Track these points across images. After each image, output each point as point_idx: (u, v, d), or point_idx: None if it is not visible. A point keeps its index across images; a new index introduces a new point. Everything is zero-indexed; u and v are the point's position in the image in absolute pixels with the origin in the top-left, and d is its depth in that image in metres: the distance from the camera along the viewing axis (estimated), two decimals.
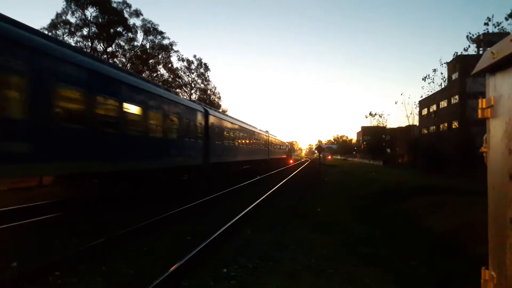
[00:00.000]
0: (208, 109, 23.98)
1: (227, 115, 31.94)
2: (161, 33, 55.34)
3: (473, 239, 7.98)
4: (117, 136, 12.98)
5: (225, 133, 27.13)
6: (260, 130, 45.76)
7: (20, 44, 8.95)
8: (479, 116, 2.59)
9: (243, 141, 33.95)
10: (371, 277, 6.96)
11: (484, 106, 2.54)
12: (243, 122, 36.37)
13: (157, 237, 9.46)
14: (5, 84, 8.68)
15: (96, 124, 11.77)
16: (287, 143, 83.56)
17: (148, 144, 15.23)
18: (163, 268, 6.42)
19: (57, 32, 46.37)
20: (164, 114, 16.60)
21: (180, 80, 65.32)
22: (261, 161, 43.72)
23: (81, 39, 48.48)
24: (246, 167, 35.93)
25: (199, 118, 21.68)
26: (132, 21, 52.03)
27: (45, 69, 9.73)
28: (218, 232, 9.18)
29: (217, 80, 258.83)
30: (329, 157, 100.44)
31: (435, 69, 61.37)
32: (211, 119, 23.62)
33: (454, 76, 51.88)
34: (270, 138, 51.15)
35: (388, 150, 78.54)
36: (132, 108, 13.89)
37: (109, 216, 11.64)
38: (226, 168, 28.10)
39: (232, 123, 30.06)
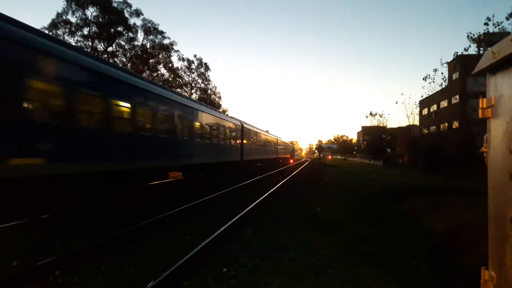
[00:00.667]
0: (242, 123, 33.57)
1: (252, 126, 39.43)
2: (161, 32, 55.44)
3: (473, 239, 7.98)
4: (205, 144, 21.98)
5: (252, 139, 37.42)
6: (271, 134, 54.36)
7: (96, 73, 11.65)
8: (480, 116, 2.59)
9: (262, 144, 43.74)
10: (372, 277, 6.96)
11: (484, 105, 2.53)
12: (261, 130, 45.76)
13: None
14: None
15: (193, 136, 19.87)
16: (290, 144, 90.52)
17: (216, 148, 24.45)
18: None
19: (58, 31, 46.42)
20: (224, 128, 26.51)
21: (180, 80, 65.40)
22: (272, 159, 53.06)
23: (81, 39, 48.55)
24: (263, 163, 46.19)
25: (238, 128, 31.45)
26: (133, 20, 52.13)
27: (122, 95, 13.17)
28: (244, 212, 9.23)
29: (218, 79, 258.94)
30: (329, 157, 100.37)
31: (435, 69, 61.44)
32: (244, 130, 33.38)
33: (455, 76, 51.81)
34: (278, 140, 60.07)
35: (389, 150, 78.46)
36: (211, 128, 23.24)
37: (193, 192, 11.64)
38: (252, 164, 38.95)
39: (255, 131, 39.77)
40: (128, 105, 13.28)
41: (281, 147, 64.14)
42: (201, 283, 6.21)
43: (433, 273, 7.46)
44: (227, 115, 37.27)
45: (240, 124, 32.11)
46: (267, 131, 51.34)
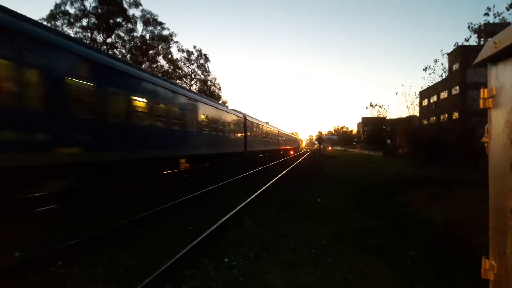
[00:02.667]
0: (245, 115, 34.47)
1: (254, 118, 40.20)
2: (160, 23, 55.12)
3: (474, 229, 8.02)
4: (212, 136, 23.36)
5: (254, 131, 38.11)
6: (272, 125, 56.56)
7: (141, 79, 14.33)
8: (481, 106, 2.58)
9: (264, 136, 45.14)
10: (371, 267, 7.01)
11: (485, 96, 2.53)
12: (262, 122, 46.53)
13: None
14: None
15: (201, 129, 21.07)
16: (291, 135, 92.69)
17: (225, 141, 26.40)
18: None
19: (56, 22, 46.14)
20: (229, 121, 27.86)
21: (180, 71, 65.15)
22: (274, 150, 54.82)
23: (80, 30, 48.27)
24: (265, 154, 47.15)
25: (241, 121, 32.45)
26: (132, 11, 51.84)
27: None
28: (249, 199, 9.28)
29: (217, 71, 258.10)
30: (329, 148, 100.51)
31: (436, 60, 61.18)
32: (247, 122, 34.28)
33: (455, 66, 51.65)
34: (279, 132, 61.90)
35: (388, 141, 78.51)
36: (218, 122, 24.64)
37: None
38: (256, 155, 39.95)
39: (257, 123, 40.55)
40: (146, 100, 14.65)
41: (283, 138, 66.45)
42: (202, 273, 6.25)
43: (432, 263, 7.51)
44: (227, 106, 37.79)
45: (243, 116, 33.27)
46: (267, 123, 51.28)
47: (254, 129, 38.45)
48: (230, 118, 28.39)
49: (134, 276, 5.98)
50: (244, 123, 33.35)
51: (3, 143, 8.06)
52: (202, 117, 21.21)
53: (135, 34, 53.39)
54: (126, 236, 8.50)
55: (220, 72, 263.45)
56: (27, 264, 6.12)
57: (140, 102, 14.18)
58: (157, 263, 6.40)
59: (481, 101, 2.57)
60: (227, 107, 33.55)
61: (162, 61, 60.39)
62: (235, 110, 32.86)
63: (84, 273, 6.20)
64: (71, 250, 7.02)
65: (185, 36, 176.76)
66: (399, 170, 26.21)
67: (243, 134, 32.89)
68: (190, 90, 24.01)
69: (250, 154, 35.25)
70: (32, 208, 10.61)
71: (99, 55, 12.25)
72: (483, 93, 2.55)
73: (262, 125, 44.77)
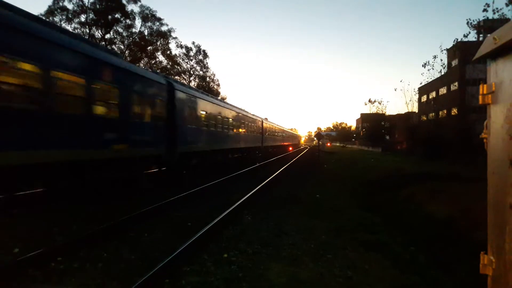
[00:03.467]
0: (263, 120, 44.70)
1: (269, 121, 51.63)
2: (159, 19, 54.92)
3: (473, 225, 8.05)
4: (252, 136, 35.55)
5: (267, 130, 48.22)
6: (280, 125, 67.36)
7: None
8: (480, 102, 2.59)
9: (274, 134, 56.23)
10: (370, 262, 7.04)
11: (485, 92, 2.54)
12: (274, 123, 58.40)
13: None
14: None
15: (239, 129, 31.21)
16: (294, 133, 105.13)
17: (252, 138, 36.29)
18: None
19: (55, 18, 45.94)
20: (253, 123, 37.37)
21: (178, 67, 64.98)
22: (281, 145, 64.90)
23: (78, 26, 48.09)
24: (274, 148, 56.41)
25: (260, 123, 42.03)
26: (130, 7, 51.60)
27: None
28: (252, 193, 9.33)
29: (216, 66, 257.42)
30: (328, 144, 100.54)
31: (435, 56, 60.91)
32: (264, 124, 44.73)
33: (454, 62, 51.62)
34: (284, 130, 73.32)
35: (387, 137, 78.50)
36: (246, 124, 34.22)
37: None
38: (268, 148, 49.84)
39: (271, 125, 52.66)
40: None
41: (287, 135, 77.29)
42: (202, 269, 6.27)
43: (431, 258, 7.54)
44: (226, 102, 38.01)
45: (261, 120, 43.91)
46: (265, 119, 51.79)
47: (268, 129, 48.86)
48: (255, 122, 39.68)
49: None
50: (262, 125, 43.85)
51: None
52: (245, 123, 33.92)
53: (133, 30, 53.25)
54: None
55: (218, 67, 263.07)
56: (27, 260, 6.13)
57: (229, 120, 27.57)
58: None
59: (480, 97, 2.57)
60: (243, 109, 38.06)
61: (160, 57, 60.26)
62: (255, 116, 41.96)
63: (84, 269, 6.22)
64: (71, 246, 7.03)
65: (184, 32, 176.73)
66: (398, 166, 26.25)
67: (261, 133, 43.03)
68: (242, 109, 35.94)
69: (264, 148, 45.62)
70: (36, 204, 10.64)
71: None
72: (483, 89, 2.55)
73: (273, 126, 55.70)
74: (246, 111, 37.97)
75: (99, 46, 16.73)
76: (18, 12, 9.08)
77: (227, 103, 32.71)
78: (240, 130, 32.51)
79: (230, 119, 28.76)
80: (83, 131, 10.81)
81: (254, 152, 40.74)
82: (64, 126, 10.02)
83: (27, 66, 8.62)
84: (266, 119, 51.33)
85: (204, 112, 21.89)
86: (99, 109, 11.65)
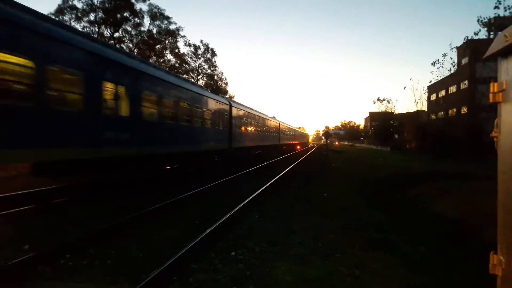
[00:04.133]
0: (280, 121, 54.23)
1: (283, 123, 60.00)
2: (167, 18, 55.10)
3: (482, 225, 7.97)
4: (262, 134, 40.58)
5: (282, 130, 56.07)
6: (292, 126, 77.05)
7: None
8: (490, 100, 2.56)
9: (287, 133, 63.97)
10: (379, 262, 7.00)
11: (495, 90, 2.51)
12: (289, 124, 69.27)
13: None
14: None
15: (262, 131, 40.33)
16: (301, 131, 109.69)
17: (272, 137, 45.01)
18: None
19: (64, 17, 46.30)
20: (271, 125, 45.12)
21: (187, 66, 65.17)
22: (292, 144, 71.73)
23: (88, 25, 48.42)
24: (287, 147, 63.78)
25: (277, 125, 50.65)
26: (139, 6, 51.81)
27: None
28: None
29: (224, 65, 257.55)
30: (336, 143, 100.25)
31: (444, 54, 60.00)
32: (280, 126, 53.44)
33: (464, 61, 51.09)
34: (295, 130, 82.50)
35: (396, 136, 78.03)
36: (266, 125, 42.04)
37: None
38: (283, 146, 58.56)
39: (285, 126, 60.69)
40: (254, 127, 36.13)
41: (297, 134, 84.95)
42: (209, 267, 6.29)
43: (440, 258, 7.48)
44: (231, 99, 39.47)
45: (278, 122, 52.30)
46: (272, 117, 52.02)
47: (282, 129, 56.64)
48: (273, 124, 47.64)
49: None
50: (279, 126, 52.38)
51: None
52: (268, 124, 42.82)
53: (142, 28, 53.50)
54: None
55: (226, 66, 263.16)
56: (37, 257, 6.19)
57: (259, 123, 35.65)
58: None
59: (490, 95, 2.55)
60: (273, 117, 47.81)
61: (169, 56, 60.47)
62: (274, 118, 50.00)
63: (92, 266, 6.27)
64: (80, 243, 7.09)
65: (192, 30, 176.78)
66: (406, 165, 26.09)
67: (278, 133, 50.24)
68: (265, 114, 43.25)
69: (281, 145, 52.73)
70: (47, 201, 10.78)
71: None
72: (493, 87, 2.52)
73: (287, 126, 64.74)
74: (266, 115, 45.08)
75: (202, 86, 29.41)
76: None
77: (254, 109, 38.48)
78: (265, 130, 41.05)
79: (260, 123, 37.82)
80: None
81: (272, 149, 46.85)
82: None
83: None
84: (273, 117, 51.49)
85: (245, 119, 31.50)
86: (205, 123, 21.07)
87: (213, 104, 22.70)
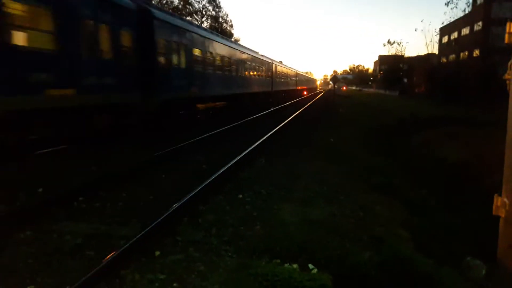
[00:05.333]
0: (297, 71, 65.05)
1: (300, 72, 71.38)
2: None
3: (487, 169, 8.03)
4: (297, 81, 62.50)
5: (298, 77, 64.97)
6: (305, 74, 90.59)
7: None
8: (506, 41, 2.48)
9: (301, 79, 70.68)
10: (382, 204, 7.16)
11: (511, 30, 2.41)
12: (302, 72, 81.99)
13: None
14: None
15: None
16: (311, 77, 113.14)
17: (294, 83, 60.01)
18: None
19: None
20: (293, 75, 59.33)
21: (190, 7, 63.02)
22: (306, 88, 79.17)
23: None
24: (302, 90, 72.33)
25: (295, 73, 60.74)
26: None
27: None
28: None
29: (229, 7, 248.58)
30: (344, 88, 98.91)
31: None
32: (298, 74, 64.72)
33: (480, 0, 48.92)
34: (308, 76, 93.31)
35: (405, 80, 76.71)
36: (293, 76, 58.99)
37: None
38: (299, 89, 67.38)
39: (300, 73, 71.80)
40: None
41: (308, 80, 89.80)
42: (218, 208, 6.48)
43: (442, 201, 7.64)
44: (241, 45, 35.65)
45: (296, 71, 61.19)
46: (279, 62, 50.78)
47: (299, 76, 65.54)
48: (292, 72, 55.96)
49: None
50: (296, 74, 61.71)
51: None
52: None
53: None
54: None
55: (232, 8, 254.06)
56: (51, 199, 6.40)
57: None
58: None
59: (506, 35, 2.46)
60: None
61: None
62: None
63: (105, 208, 6.49)
64: (92, 187, 7.28)
65: None
66: (414, 110, 25.89)
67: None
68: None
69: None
70: (63, 144, 10.71)
71: None
72: (509, 27, 2.43)
73: (301, 74, 75.08)
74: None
75: None
76: None
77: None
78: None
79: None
80: None
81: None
82: None
83: None
84: (280, 62, 50.29)
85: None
86: None
87: None
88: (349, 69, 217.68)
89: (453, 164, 9.94)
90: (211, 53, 19.99)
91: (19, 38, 8.35)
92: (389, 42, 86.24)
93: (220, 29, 65.48)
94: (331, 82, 49.02)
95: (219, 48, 21.66)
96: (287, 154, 11.59)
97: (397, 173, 10.03)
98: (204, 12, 65.75)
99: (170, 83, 15.15)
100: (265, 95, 36.62)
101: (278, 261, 4.61)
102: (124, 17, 12.38)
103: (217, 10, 67.36)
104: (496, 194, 2.57)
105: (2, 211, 5.91)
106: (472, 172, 8.82)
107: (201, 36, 18.63)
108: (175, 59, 15.72)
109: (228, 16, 73.74)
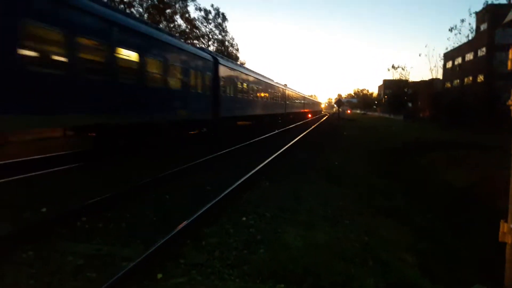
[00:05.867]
0: (304, 96, 70.37)
1: (308, 96, 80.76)
2: None
3: (492, 194, 7.96)
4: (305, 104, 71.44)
5: (308, 100, 75.83)
6: (310, 97, 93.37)
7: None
8: (509, 67, 2.51)
9: (308, 102, 75.87)
10: (387, 228, 7.09)
11: None
12: (308, 96, 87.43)
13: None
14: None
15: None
16: (315, 100, 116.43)
17: (302, 106, 66.71)
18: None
19: None
20: (302, 98, 67.49)
21: (197, 31, 64.16)
22: (311, 111, 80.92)
23: None
24: (305, 112, 73.32)
25: (303, 97, 67.65)
26: None
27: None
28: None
29: (235, 30, 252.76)
30: (349, 111, 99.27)
31: (463, 20, 58.13)
32: (306, 98, 73.98)
33: (483, 27, 49.44)
34: (312, 100, 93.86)
35: (410, 104, 76.94)
36: (302, 99, 67.76)
37: None
38: (308, 112, 73.59)
39: (308, 98, 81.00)
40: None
41: (312, 103, 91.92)
42: (221, 231, 6.42)
43: (449, 226, 7.54)
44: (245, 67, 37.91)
45: (303, 95, 64.25)
46: (284, 85, 51.38)
47: (306, 100, 71.20)
48: (300, 96, 61.94)
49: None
50: (304, 98, 67.88)
51: None
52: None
53: None
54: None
55: (237, 31, 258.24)
56: (54, 219, 6.39)
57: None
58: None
59: (509, 61, 2.49)
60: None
61: (179, 21, 59.51)
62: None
63: (108, 228, 6.46)
64: (95, 207, 7.27)
65: None
66: (419, 134, 25.87)
67: (304, 102, 60.39)
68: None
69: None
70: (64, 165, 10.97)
71: None
72: None
73: (307, 97, 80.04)
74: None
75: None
76: None
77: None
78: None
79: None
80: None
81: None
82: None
83: None
84: (285, 85, 50.90)
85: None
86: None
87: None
88: (354, 93, 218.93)
89: (458, 188, 9.86)
90: (245, 83, 27.34)
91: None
92: (393, 66, 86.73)
93: (226, 52, 66.46)
94: (335, 106, 49.42)
95: (251, 80, 29.28)
96: (291, 176, 11.55)
97: (402, 196, 9.96)
98: (210, 36, 66.92)
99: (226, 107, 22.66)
100: (279, 116, 44.74)
101: (282, 285, 4.55)
102: (207, 65, 20.13)
103: (223, 34, 68.59)
104: (502, 220, 2.55)
105: (6, 230, 5.90)
106: (478, 196, 8.73)
107: (240, 72, 26.44)
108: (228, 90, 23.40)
109: (234, 40, 74.76)
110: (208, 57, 20.82)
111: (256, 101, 31.12)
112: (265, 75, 38.87)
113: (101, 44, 11.05)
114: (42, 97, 9.16)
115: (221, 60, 21.98)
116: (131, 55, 12.75)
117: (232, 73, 24.28)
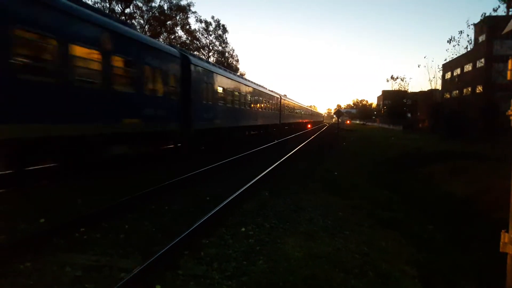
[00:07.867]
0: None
1: (310, 109, 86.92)
2: None
3: (493, 204, 7.94)
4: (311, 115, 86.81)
5: (309, 111, 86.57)
6: (311, 108, 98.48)
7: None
8: (508, 77, 2.52)
9: (309, 113, 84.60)
10: (387, 239, 7.04)
11: None
12: (309, 108, 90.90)
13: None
14: None
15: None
16: (317, 112, 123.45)
17: (309, 116, 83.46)
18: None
19: None
20: (306, 110, 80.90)
21: (198, 43, 64.71)
22: (311, 121, 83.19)
23: (99, 0, 48.07)
24: (310, 123, 78.89)
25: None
26: None
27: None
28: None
29: (235, 42, 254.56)
30: (348, 121, 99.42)
31: (461, 31, 58.16)
32: (310, 110, 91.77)
33: (481, 38, 49.78)
34: (313, 111, 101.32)
35: (409, 115, 77.09)
36: (306, 111, 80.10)
37: None
38: (306, 122, 74.75)
39: (310, 110, 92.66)
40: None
41: (313, 114, 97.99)
42: (220, 242, 6.38)
43: (449, 237, 7.50)
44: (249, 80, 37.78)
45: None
46: (283, 95, 51.55)
47: (303, 110, 71.04)
48: (297, 105, 60.91)
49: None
50: (302, 108, 68.71)
51: None
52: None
53: (153, 4, 52.94)
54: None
55: (237, 43, 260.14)
56: (52, 230, 6.35)
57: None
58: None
59: (508, 72, 2.50)
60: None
61: (180, 32, 60.04)
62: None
63: (106, 239, 6.42)
64: (94, 217, 7.23)
65: (203, 6, 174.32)
66: (419, 145, 25.88)
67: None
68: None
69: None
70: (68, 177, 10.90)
71: None
72: (511, 64, 2.47)
73: (306, 107, 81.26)
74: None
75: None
76: None
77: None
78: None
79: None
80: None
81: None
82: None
83: None
84: (285, 95, 51.09)
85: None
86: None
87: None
88: (353, 104, 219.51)
89: (459, 199, 9.83)
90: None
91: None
92: (392, 77, 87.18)
93: (226, 63, 66.87)
94: (335, 116, 49.55)
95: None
96: (291, 186, 11.52)
97: (402, 207, 9.92)
98: (211, 47, 67.39)
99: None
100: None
101: None
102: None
103: (223, 45, 69.17)
104: (503, 231, 2.53)
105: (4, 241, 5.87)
106: (479, 206, 8.70)
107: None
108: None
109: (234, 51, 75.42)
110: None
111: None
112: (257, 82, 37.83)
113: None
114: None
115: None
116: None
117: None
